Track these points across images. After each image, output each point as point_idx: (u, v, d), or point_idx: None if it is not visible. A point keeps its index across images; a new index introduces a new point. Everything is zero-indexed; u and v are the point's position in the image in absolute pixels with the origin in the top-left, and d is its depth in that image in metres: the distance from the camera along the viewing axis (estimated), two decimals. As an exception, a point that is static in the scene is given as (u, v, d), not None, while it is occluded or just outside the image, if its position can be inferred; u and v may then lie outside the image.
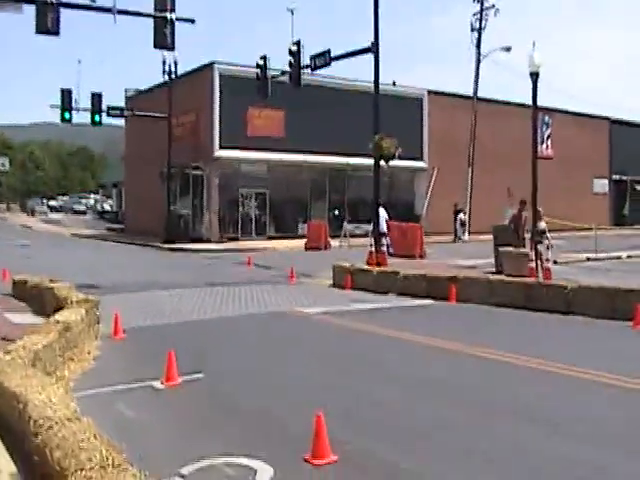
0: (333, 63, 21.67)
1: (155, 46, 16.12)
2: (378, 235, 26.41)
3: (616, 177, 50.91)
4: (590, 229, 38.40)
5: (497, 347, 9.75)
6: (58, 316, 9.26)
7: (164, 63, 33.55)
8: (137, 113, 35.94)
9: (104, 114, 32.72)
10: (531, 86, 15.57)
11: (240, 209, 36.05)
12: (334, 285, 18.12)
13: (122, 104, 40.33)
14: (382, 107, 38.23)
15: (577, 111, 48.98)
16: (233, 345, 10.59)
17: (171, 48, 16.26)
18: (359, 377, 8.43)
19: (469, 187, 39.29)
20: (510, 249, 17.32)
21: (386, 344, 10.52)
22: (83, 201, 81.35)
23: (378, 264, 19.95)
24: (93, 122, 32.09)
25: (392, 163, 39.28)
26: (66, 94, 30.99)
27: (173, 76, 34.05)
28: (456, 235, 36.46)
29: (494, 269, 19.75)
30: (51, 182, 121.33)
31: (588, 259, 24.06)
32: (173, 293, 16.07)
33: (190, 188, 38.05)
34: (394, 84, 39.70)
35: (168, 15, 15.81)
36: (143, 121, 38.68)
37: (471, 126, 39.01)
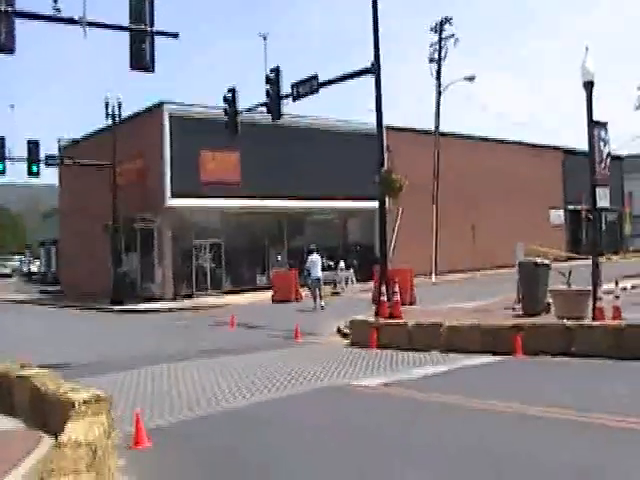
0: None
1: (132, 67, 13.07)
2: (316, 280, 24.17)
3: (571, 207, 50.41)
4: (564, 260, 37.98)
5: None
6: (72, 433, 6.06)
7: (107, 106, 30.24)
8: (79, 162, 32.25)
9: (42, 165, 28.98)
10: (585, 97, 13.30)
11: (194, 262, 32.77)
12: (353, 344, 15.23)
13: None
14: (337, 145, 36.70)
15: (531, 142, 48.61)
16: (308, 448, 7.44)
17: (150, 69, 13.26)
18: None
19: (434, 226, 37.31)
20: (563, 287, 14.86)
21: (504, 423, 7.75)
22: (7, 263, 75.32)
23: (391, 315, 17.24)
24: (30, 173, 28.32)
25: (347, 205, 37.25)
26: (-2, 143, 27.34)
27: (117, 120, 30.70)
28: (335, 285, 32.46)
29: (516, 309, 17.54)
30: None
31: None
32: (167, 370, 12.71)
33: (137, 242, 34.49)
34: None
35: (147, 28, 12.92)
36: (80, 172, 35.07)
37: (433, 162, 37.26)
